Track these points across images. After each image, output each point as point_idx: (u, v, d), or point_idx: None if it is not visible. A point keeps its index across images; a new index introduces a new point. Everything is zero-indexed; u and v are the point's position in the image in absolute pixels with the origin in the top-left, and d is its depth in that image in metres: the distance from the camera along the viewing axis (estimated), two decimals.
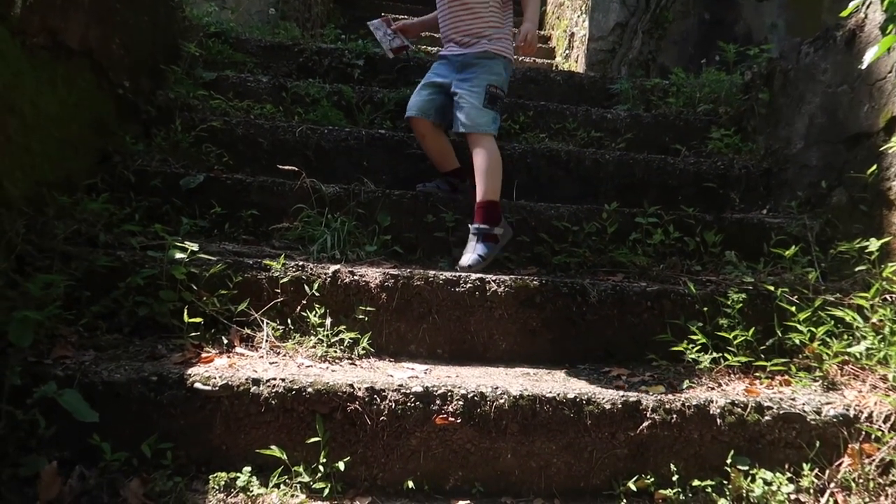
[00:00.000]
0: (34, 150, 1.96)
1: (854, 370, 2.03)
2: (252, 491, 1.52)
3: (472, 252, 2.30)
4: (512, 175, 2.79)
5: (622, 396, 1.76)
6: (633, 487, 1.69)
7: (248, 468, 1.56)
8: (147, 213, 2.27)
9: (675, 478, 1.71)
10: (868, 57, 2.21)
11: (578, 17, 6.98)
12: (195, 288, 1.91)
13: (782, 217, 2.75)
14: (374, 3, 8.79)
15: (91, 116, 2.30)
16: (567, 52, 7.37)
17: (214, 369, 1.67)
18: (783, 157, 2.95)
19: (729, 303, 2.13)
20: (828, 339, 2.07)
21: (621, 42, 6.49)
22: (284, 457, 1.56)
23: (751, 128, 3.25)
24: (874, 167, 2.36)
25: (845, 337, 2.10)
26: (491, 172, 2.38)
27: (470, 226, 2.36)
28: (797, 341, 2.09)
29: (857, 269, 2.29)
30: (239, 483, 1.53)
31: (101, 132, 2.37)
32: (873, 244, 2.23)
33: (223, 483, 1.52)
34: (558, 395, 1.72)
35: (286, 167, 2.41)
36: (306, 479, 1.56)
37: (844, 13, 2.44)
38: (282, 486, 1.54)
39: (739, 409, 1.78)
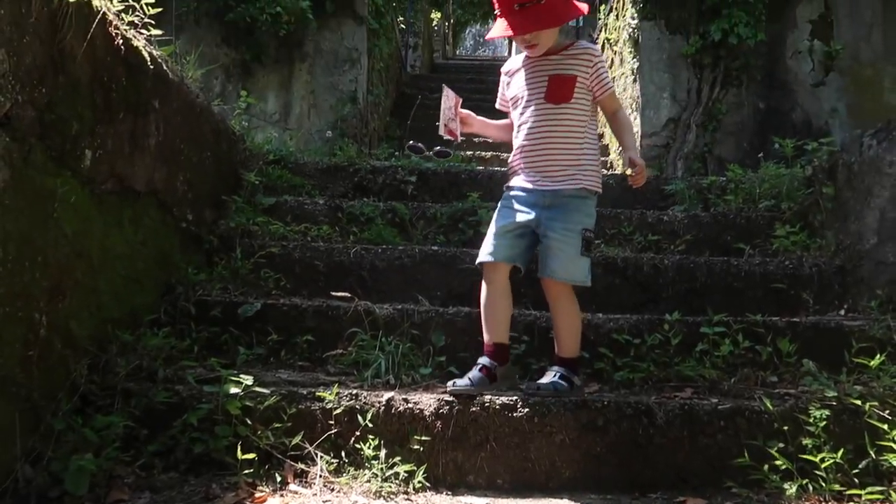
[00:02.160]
0: (101, 290, 2.04)
1: None
2: None
3: (549, 379, 2.10)
4: None
5: None
6: None
7: None
8: (207, 343, 2.31)
9: None
10: None
11: (630, 113, 7.06)
12: (249, 422, 1.90)
13: (862, 319, 2.57)
14: (430, 114, 9.18)
15: (156, 251, 2.40)
16: (620, 148, 7.42)
17: None
18: (857, 254, 2.81)
19: (811, 420, 1.97)
20: None
21: (675, 137, 6.50)
22: None
23: (817, 223, 3.13)
24: None
25: None
26: (577, 330, 2.18)
27: (549, 367, 2.17)
28: (894, 463, 1.90)
29: None
30: None
31: (165, 265, 2.47)
32: None
33: None
34: None
35: (339, 293, 2.44)
36: None
37: None
38: None
39: None
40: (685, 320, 2.48)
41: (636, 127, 6.77)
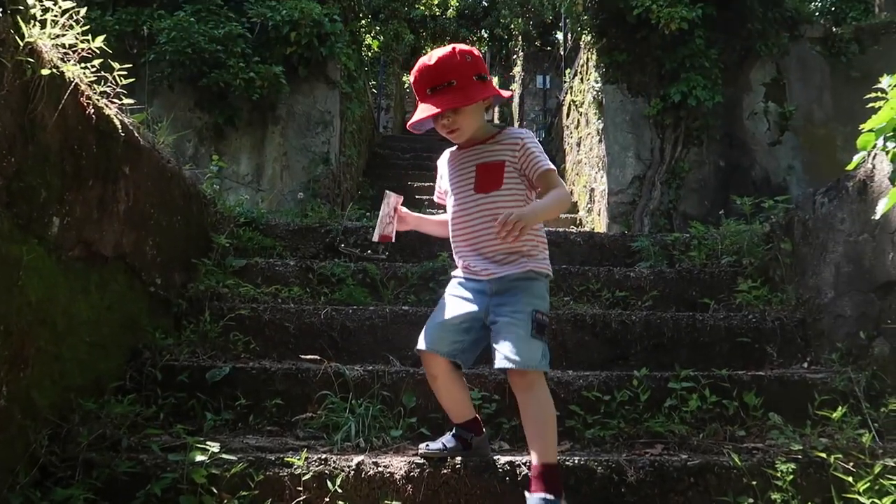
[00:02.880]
0: (64, 357, 2.01)
1: None
2: None
3: None
4: None
5: None
6: None
7: None
8: (173, 409, 2.27)
9: None
10: (881, 208, 2.22)
11: (596, 172, 7.25)
12: (216, 491, 1.86)
13: (824, 371, 2.63)
14: (402, 174, 9.31)
15: (122, 316, 2.38)
16: (589, 205, 7.58)
17: None
18: (816, 307, 2.89)
19: (779, 474, 1.99)
20: None
21: (640, 194, 6.67)
22: None
23: (778, 277, 3.22)
24: None
25: None
26: (547, 425, 1.88)
27: (527, 494, 1.85)
28: None
29: None
30: None
31: (131, 330, 2.44)
32: None
33: None
34: None
35: (309, 357, 2.43)
36: None
37: (850, 166, 2.48)
38: None
39: None
40: (653, 376, 2.51)
41: (602, 185, 6.95)
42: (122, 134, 2.24)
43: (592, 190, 7.44)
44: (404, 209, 2.19)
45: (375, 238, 2.19)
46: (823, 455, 2.04)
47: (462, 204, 2.05)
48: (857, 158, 2.41)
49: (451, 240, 2.11)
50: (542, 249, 2.04)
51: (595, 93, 7.15)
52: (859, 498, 1.92)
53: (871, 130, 2.24)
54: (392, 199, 2.21)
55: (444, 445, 2.03)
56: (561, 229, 7.06)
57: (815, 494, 1.98)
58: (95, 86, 2.06)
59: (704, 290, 3.36)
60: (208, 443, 1.93)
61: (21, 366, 1.80)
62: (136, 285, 2.48)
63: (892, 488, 1.94)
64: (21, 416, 1.81)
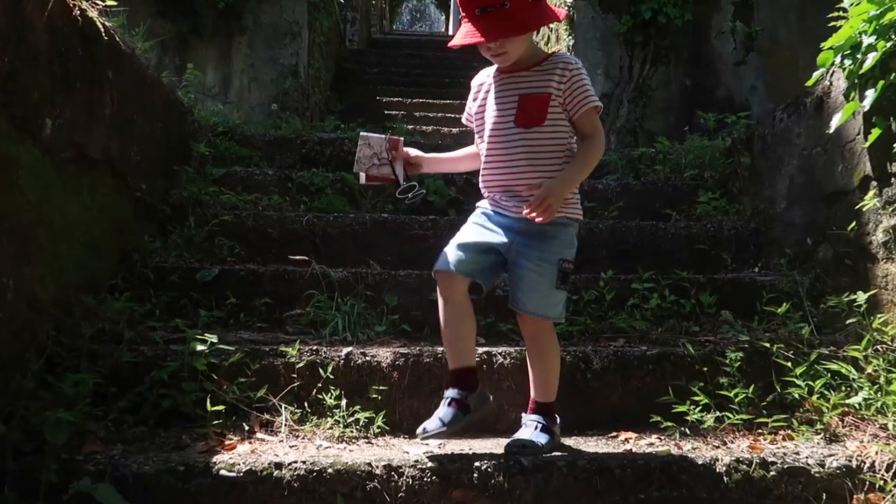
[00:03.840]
0: (62, 255, 2.10)
1: (854, 421, 2.09)
2: None
3: (528, 435, 1.89)
4: None
5: (630, 462, 1.82)
6: None
7: None
8: (167, 307, 2.38)
9: None
10: (835, 122, 2.39)
11: None
12: (216, 377, 2.01)
13: (773, 274, 2.86)
14: (370, 88, 9.20)
15: (112, 219, 2.45)
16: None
17: (238, 456, 1.75)
18: (769, 217, 3.09)
19: (727, 362, 2.22)
20: (826, 392, 2.14)
21: (608, 112, 6.77)
22: None
23: (736, 190, 3.41)
24: (854, 223, 2.48)
25: (843, 389, 2.18)
26: (551, 370, 1.94)
27: (523, 415, 1.96)
28: (796, 395, 2.16)
29: (847, 321, 2.38)
30: None
31: (120, 233, 2.52)
32: (861, 297, 2.34)
33: None
34: (569, 463, 1.78)
35: (296, 257, 2.54)
36: None
37: (809, 83, 2.64)
38: None
39: (745, 466, 1.84)
40: (618, 278, 2.70)
41: None
42: (106, 38, 2.25)
43: None
44: (413, 151, 2.02)
45: (362, 180, 2.05)
46: (767, 345, 2.27)
47: (499, 136, 1.90)
48: (815, 75, 2.56)
49: (481, 170, 1.97)
50: (576, 193, 1.93)
51: (566, 8, 7.10)
52: (796, 381, 2.16)
53: (830, 48, 2.37)
54: (377, 141, 1.99)
55: (442, 421, 1.84)
56: None
57: (759, 379, 2.22)
58: None
59: (667, 202, 3.53)
60: (206, 335, 2.06)
61: (24, 261, 1.88)
62: (122, 189, 2.54)
63: (825, 372, 2.18)
64: (27, 310, 1.90)
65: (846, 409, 2.12)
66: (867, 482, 1.84)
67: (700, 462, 1.84)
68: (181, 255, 2.70)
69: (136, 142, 2.62)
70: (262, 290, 2.53)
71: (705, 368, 2.22)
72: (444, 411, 1.85)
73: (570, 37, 7.02)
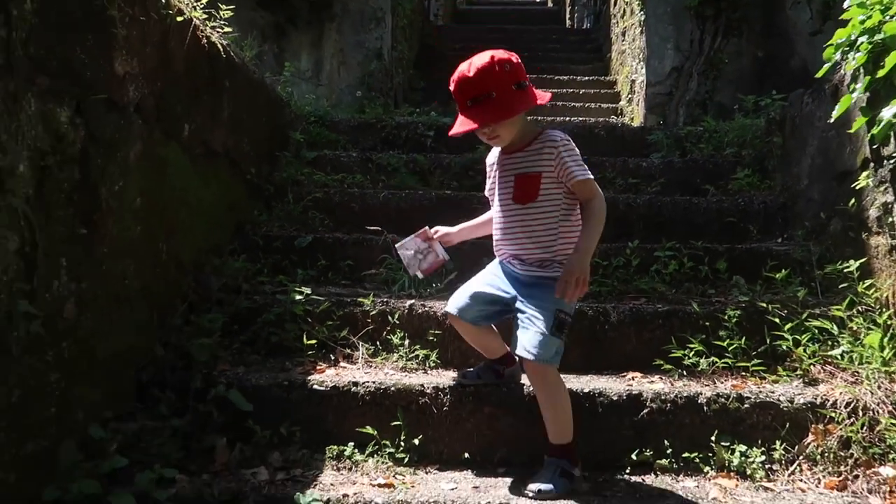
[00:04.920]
0: (196, 228, 2.76)
1: (832, 370, 2.47)
2: (355, 459, 2.17)
3: (546, 482, 1.99)
4: None
5: (626, 390, 2.31)
6: (636, 459, 2.22)
7: (352, 444, 2.21)
8: (272, 267, 3.03)
9: (669, 451, 2.22)
10: (835, 111, 2.71)
11: (637, 64, 7.52)
12: (310, 320, 2.63)
13: (790, 245, 3.19)
14: (449, 66, 9.65)
15: (229, 198, 3.11)
16: (630, 96, 7.90)
17: (326, 377, 2.36)
18: (795, 193, 3.41)
19: (727, 318, 2.63)
20: (811, 346, 2.53)
21: (678, 85, 6.96)
22: (376, 434, 2.21)
23: (770, 167, 3.71)
24: (854, 200, 2.80)
25: (828, 343, 2.55)
26: (560, 410, 2.09)
27: (546, 457, 2.09)
28: (785, 347, 2.55)
29: (840, 286, 2.73)
30: (346, 453, 2.18)
31: (236, 209, 3.18)
32: (852, 265, 2.68)
33: (335, 453, 2.18)
34: (576, 390, 2.29)
35: (372, 227, 3.12)
36: (392, 451, 2.20)
37: (819, 74, 2.95)
38: (375, 456, 2.19)
39: (723, 400, 2.28)
40: (644, 246, 3.12)
41: (642, 76, 7.25)
42: (224, 55, 2.87)
43: (633, 81, 7.73)
44: (442, 229, 2.39)
45: (419, 276, 2.39)
46: (764, 305, 2.66)
47: (502, 211, 2.19)
48: (825, 67, 2.88)
49: (493, 237, 2.26)
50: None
51: None
52: (784, 335, 2.55)
53: (830, 45, 2.69)
54: (411, 243, 2.33)
55: (479, 374, 2.32)
56: (601, 120, 7.48)
57: (755, 334, 2.61)
58: (207, 22, 2.67)
59: (707, 178, 3.88)
60: (303, 288, 2.68)
61: (171, 234, 2.54)
62: (237, 174, 3.19)
63: (813, 329, 2.56)
64: (174, 268, 2.57)
65: (827, 360, 2.50)
66: (827, 416, 2.25)
67: (685, 394, 2.30)
68: (282, 225, 3.34)
69: (246, 135, 3.26)
70: (345, 254, 3.13)
71: (707, 324, 2.64)
72: (483, 369, 2.34)
73: (641, 12, 7.22)
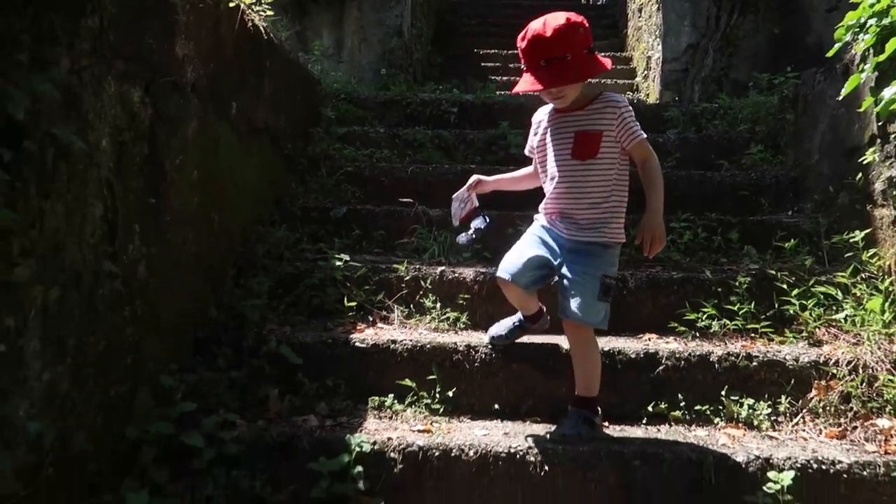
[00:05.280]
0: (242, 200, 2.96)
1: (836, 332, 2.65)
2: (395, 409, 2.39)
3: (571, 427, 2.18)
4: None
5: (644, 349, 2.50)
6: (652, 411, 2.43)
7: (392, 395, 2.43)
8: (310, 236, 3.23)
9: (682, 404, 2.42)
10: (843, 90, 2.85)
11: (653, 40, 7.60)
12: (348, 285, 2.83)
13: (800, 217, 3.36)
14: (468, 41, 9.76)
15: (269, 172, 3.31)
16: (646, 72, 7.99)
17: (366, 335, 2.57)
18: (806, 168, 3.56)
19: (738, 284, 2.81)
20: (817, 310, 2.71)
21: (693, 62, 7.06)
22: (414, 386, 2.42)
23: (782, 143, 3.86)
24: (860, 174, 2.95)
25: (832, 308, 2.73)
26: (593, 370, 2.24)
27: (570, 407, 2.27)
28: (792, 312, 2.73)
29: (846, 255, 2.90)
30: (386, 404, 2.40)
31: (275, 183, 3.38)
32: (858, 235, 2.84)
33: (376, 404, 2.40)
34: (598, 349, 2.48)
35: (404, 199, 3.32)
36: (429, 402, 2.42)
37: (830, 54, 3.08)
38: (413, 406, 2.40)
39: (733, 358, 2.48)
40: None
41: (658, 53, 7.34)
42: (265, 37, 3.05)
43: (649, 58, 7.81)
44: (476, 177, 2.53)
45: (455, 222, 2.53)
46: (773, 272, 2.84)
47: (559, 168, 2.21)
48: (836, 47, 3.01)
49: (546, 196, 2.30)
50: (622, 217, 2.25)
51: None
52: (792, 300, 2.73)
53: (841, 26, 2.83)
54: (461, 193, 2.52)
55: (508, 336, 2.45)
56: (622, 82, 7.59)
57: (764, 299, 2.80)
58: (253, 6, 2.85)
59: (721, 153, 4.03)
60: (341, 255, 2.89)
61: (221, 205, 2.74)
62: (276, 150, 3.38)
63: (820, 294, 2.74)
64: (225, 237, 2.78)
65: (831, 323, 2.69)
66: (829, 373, 2.43)
67: (698, 353, 2.49)
68: (317, 197, 3.54)
69: (284, 112, 3.44)
70: (378, 224, 3.33)
71: (719, 289, 2.83)
72: (509, 325, 2.46)
73: None
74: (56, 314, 1.69)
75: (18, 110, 1.43)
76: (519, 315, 2.48)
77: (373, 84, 5.95)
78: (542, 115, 2.34)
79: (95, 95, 1.83)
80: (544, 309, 2.50)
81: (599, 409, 2.29)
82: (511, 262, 2.29)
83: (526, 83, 2.09)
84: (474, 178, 2.51)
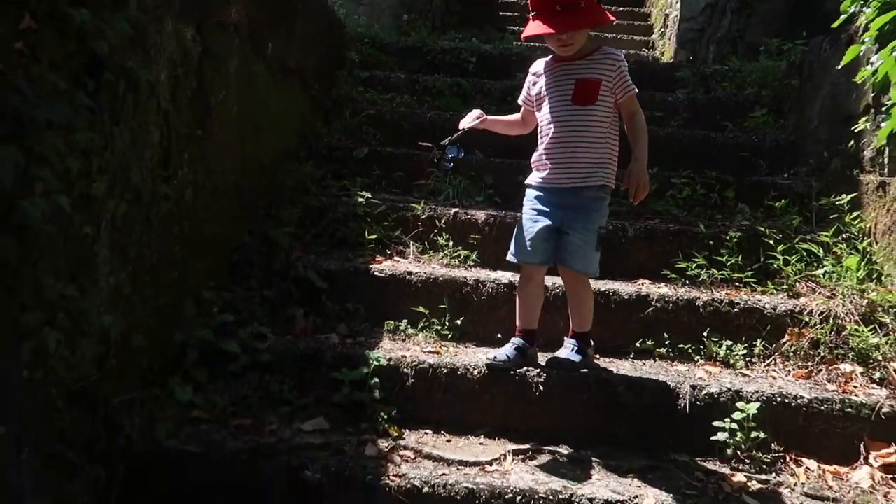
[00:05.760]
0: (274, 136, 3.17)
1: (815, 286, 2.89)
2: (408, 332, 2.65)
3: (567, 353, 2.40)
4: None
5: (636, 291, 2.75)
6: (640, 347, 2.69)
7: (405, 321, 2.69)
8: (334, 173, 3.45)
9: (667, 342, 2.68)
10: (843, 60, 3.02)
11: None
12: (369, 220, 3.07)
13: (794, 180, 3.56)
14: None
15: (297, 111, 3.51)
16: (662, 30, 8.03)
17: (384, 266, 2.82)
18: (805, 133, 3.74)
19: (728, 238, 3.04)
20: (798, 265, 2.94)
21: (710, 22, 7.11)
22: (427, 313, 2.68)
23: (786, 108, 4.03)
24: (854, 141, 3.15)
25: (814, 265, 2.96)
26: (589, 309, 2.45)
27: (565, 339, 2.47)
28: (776, 266, 2.97)
29: (831, 217, 3.11)
30: (401, 328, 2.66)
31: (302, 121, 3.58)
32: (844, 198, 3.06)
33: (392, 327, 2.67)
34: (595, 289, 2.72)
35: (424, 143, 3.51)
36: (439, 328, 2.68)
37: (835, 25, 3.24)
38: (425, 331, 2.67)
39: (716, 304, 2.72)
40: (662, 173, 3.50)
41: (676, 11, 7.38)
42: None
43: (667, 15, 7.85)
44: (477, 111, 2.63)
45: (445, 142, 2.69)
46: (762, 228, 3.06)
47: (559, 113, 2.33)
48: (840, 18, 3.17)
49: (541, 144, 2.39)
50: (615, 164, 2.39)
51: None
52: (777, 255, 2.96)
53: None
54: (468, 117, 2.60)
55: (508, 357, 2.38)
56: (632, 52, 7.67)
57: (752, 254, 3.02)
58: None
59: (727, 115, 4.20)
60: (364, 192, 3.12)
61: (255, 138, 2.96)
62: (304, 90, 3.58)
63: (802, 251, 2.96)
64: (257, 168, 3.01)
65: (811, 278, 2.92)
66: (802, 321, 2.68)
67: (686, 297, 2.74)
68: (340, 138, 3.75)
69: (312, 53, 3.62)
70: (397, 166, 3.55)
71: (711, 242, 3.05)
72: (511, 352, 2.39)
73: None
74: (122, 227, 1.93)
75: (102, 46, 1.64)
76: (517, 341, 2.44)
77: (392, 29, 6.06)
78: (539, 67, 2.45)
79: (158, 32, 2.03)
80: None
81: (592, 341, 2.52)
82: (519, 245, 2.42)
83: (534, 28, 2.23)
84: (477, 111, 2.61)
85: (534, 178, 2.45)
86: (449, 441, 2.27)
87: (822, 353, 2.62)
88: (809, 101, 3.74)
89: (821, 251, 2.95)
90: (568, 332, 2.52)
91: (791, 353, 2.65)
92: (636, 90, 2.36)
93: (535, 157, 2.46)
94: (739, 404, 2.28)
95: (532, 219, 2.40)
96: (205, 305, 2.45)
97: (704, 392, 2.34)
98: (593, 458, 2.22)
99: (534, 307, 2.49)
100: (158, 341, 2.21)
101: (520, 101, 2.55)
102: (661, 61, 7.27)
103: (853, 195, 3.06)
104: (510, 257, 2.48)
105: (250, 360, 2.35)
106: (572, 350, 2.44)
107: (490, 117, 2.63)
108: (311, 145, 3.55)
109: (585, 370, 2.44)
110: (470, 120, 2.58)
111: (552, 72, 2.39)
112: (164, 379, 2.21)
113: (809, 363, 2.62)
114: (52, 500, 1.71)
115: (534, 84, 2.46)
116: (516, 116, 2.61)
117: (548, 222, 2.36)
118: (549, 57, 2.43)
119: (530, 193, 2.46)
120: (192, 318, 2.37)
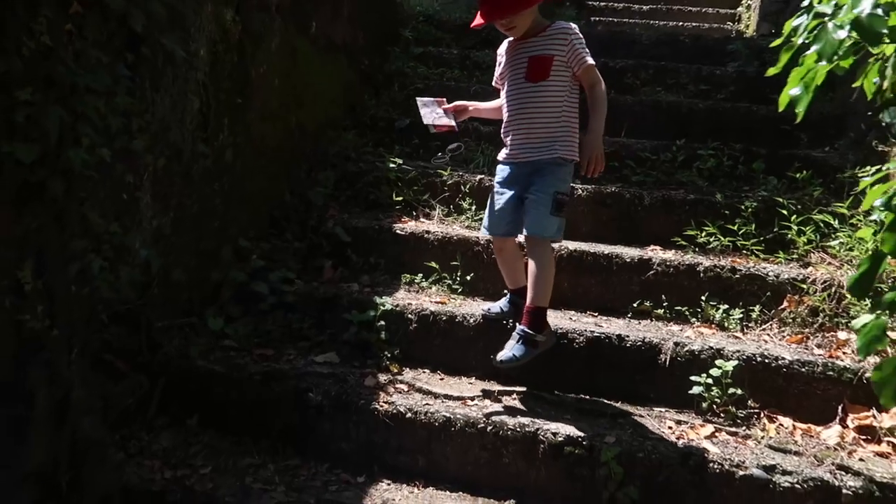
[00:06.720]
0: (317, 105, 3.51)
1: (826, 257, 2.92)
2: (422, 285, 2.92)
3: (509, 350, 2.32)
4: (622, 120, 3.81)
5: (639, 255, 2.89)
6: (637, 307, 2.83)
7: (421, 274, 2.96)
8: (376, 142, 3.76)
9: (665, 304, 2.81)
10: None
11: None
12: (399, 185, 3.35)
13: (829, 153, 3.52)
14: None
15: (344, 84, 3.82)
16: (749, 2, 7.76)
17: (407, 226, 3.10)
18: (848, 107, 3.67)
19: (744, 208, 3.09)
20: (812, 235, 2.97)
21: None
22: (439, 267, 2.95)
23: (837, 81, 3.94)
24: (885, 114, 3.10)
25: (830, 236, 2.98)
26: (544, 280, 2.34)
27: (517, 324, 2.39)
28: (790, 236, 3.01)
29: (854, 190, 3.10)
30: (416, 281, 2.94)
31: (349, 93, 3.90)
32: (869, 170, 3.03)
33: (408, 280, 2.95)
34: (597, 251, 2.89)
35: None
36: (450, 283, 2.94)
37: None
38: (437, 285, 2.93)
39: (718, 269, 2.82)
40: (689, 145, 3.57)
41: None
42: None
43: None
44: (460, 102, 2.72)
45: (432, 130, 2.75)
46: (779, 199, 3.09)
47: (515, 90, 2.42)
48: None
49: (503, 122, 2.50)
50: (574, 137, 2.40)
51: None
52: (792, 225, 2.99)
53: None
54: (427, 100, 2.71)
55: (502, 309, 2.55)
56: (716, 25, 7.50)
57: (768, 224, 3.07)
58: None
59: (776, 88, 4.10)
60: (396, 159, 3.40)
61: (299, 108, 3.30)
62: (352, 64, 3.89)
63: (820, 222, 2.98)
64: (299, 135, 3.35)
65: (824, 248, 2.95)
66: (803, 289, 2.73)
67: (687, 263, 2.85)
68: (387, 109, 4.04)
69: (362, 30, 3.92)
70: (435, 135, 3.78)
71: (727, 212, 3.12)
72: (504, 304, 2.56)
73: None
74: (162, 178, 2.31)
75: (137, 24, 1.99)
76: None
77: (455, 7, 6.26)
78: (502, 48, 2.53)
79: (195, 13, 2.38)
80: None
81: (546, 325, 2.40)
82: (493, 218, 2.51)
83: (479, 16, 2.36)
84: (455, 103, 2.74)
85: (501, 153, 2.55)
86: (442, 379, 2.53)
87: (821, 321, 2.67)
88: (856, 73, 3.65)
89: (836, 222, 2.96)
90: (524, 312, 2.37)
91: (789, 320, 2.71)
92: (592, 61, 2.37)
93: (501, 133, 2.54)
94: (718, 362, 2.40)
95: (498, 192, 2.50)
96: (243, 252, 2.82)
97: (686, 349, 2.47)
98: (571, 404, 2.41)
99: (512, 269, 2.58)
100: (198, 279, 2.60)
101: (494, 85, 2.61)
102: (744, 35, 7.06)
103: (878, 167, 3.02)
104: (482, 230, 2.60)
105: (277, 300, 2.69)
106: (517, 341, 2.33)
107: (477, 105, 2.73)
108: (358, 116, 3.86)
109: (578, 323, 2.62)
110: (433, 116, 2.73)
111: (510, 52, 2.46)
112: (202, 311, 2.59)
113: (806, 329, 2.68)
114: (100, 395, 2.11)
115: (499, 65, 2.54)
116: (497, 102, 2.63)
117: (511, 193, 2.45)
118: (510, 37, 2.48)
119: (498, 168, 2.55)
120: (230, 262, 2.74)
